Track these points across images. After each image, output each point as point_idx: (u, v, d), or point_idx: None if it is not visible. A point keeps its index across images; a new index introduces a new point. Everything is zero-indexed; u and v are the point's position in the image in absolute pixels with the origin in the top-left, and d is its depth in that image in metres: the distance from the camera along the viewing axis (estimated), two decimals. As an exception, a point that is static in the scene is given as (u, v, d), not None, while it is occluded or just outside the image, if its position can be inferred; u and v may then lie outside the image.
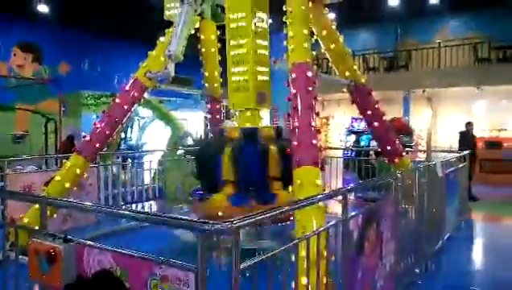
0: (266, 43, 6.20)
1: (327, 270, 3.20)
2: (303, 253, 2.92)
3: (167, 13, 6.87)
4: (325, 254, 3.20)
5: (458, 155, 7.92)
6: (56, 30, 16.53)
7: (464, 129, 11.31)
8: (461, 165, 7.63)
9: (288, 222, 5.09)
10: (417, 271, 5.13)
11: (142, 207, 9.11)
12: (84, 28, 16.85)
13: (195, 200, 6.16)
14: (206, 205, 5.66)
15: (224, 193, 5.63)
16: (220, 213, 5.21)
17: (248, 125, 6.06)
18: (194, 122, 20.76)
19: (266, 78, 6.18)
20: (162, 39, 6.60)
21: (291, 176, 5.06)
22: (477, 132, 14.76)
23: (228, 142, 5.82)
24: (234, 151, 5.58)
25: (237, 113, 6.27)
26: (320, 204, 3.82)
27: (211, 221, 2.11)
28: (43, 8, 15.68)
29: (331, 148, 15.77)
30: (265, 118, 18.42)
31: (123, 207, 8.21)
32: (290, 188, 5.14)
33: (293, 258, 2.79)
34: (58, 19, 16.16)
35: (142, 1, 14.26)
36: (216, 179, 5.72)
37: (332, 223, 3.18)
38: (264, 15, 6.17)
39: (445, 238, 6.45)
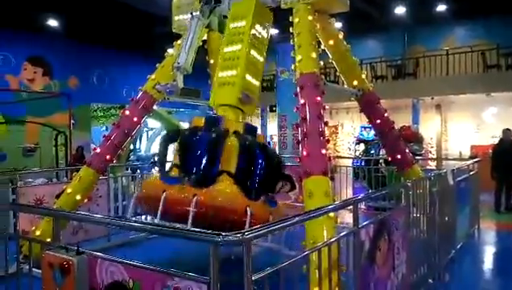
0: (261, 58, 5.87)
1: (339, 281, 3.18)
2: (314, 264, 2.90)
3: (175, 25, 6.94)
4: (337, 264, 3.17)
5: (470, 162, 7.85)
6: (66, 44, 16.78)
7: (502, 137, 10.47)
8: (472, 173, 7.56)
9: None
10: (430, 281, 5.06)
11: (152, 218, 9.11)
12: (93, 42, 17.08)
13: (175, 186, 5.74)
14: (142, 187, 5.67)
15: (227, 185, 4.90)
16: (149, 192, 4.99)
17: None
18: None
19: (255, 83, 5.70)
20: (170, 51, 6.67)
21: (250, 177, 4.88)
22: (487, 139, 14.67)
23: (187, 130, 5.42)
24: (183, 136, 5.13)
25: (217, 110, 5.57)
26: (331, 214, 3.80)
27: (222, 233, 2.11)
28: (52, 23, 15.95)
29: (340, 157, 15.73)
30: (273, 128, 18.36)
31: (133, 219, 8.24)
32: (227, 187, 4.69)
33: (304, 269, 2.77)
34: (67, 34, 16.42)
35: (149, 14, 14.45)
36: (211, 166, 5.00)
37: (343, 233, 3.16)
38: (264, 31, 5.99)
39: (458, 247, 6.37)
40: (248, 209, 4.36)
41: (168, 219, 4.60)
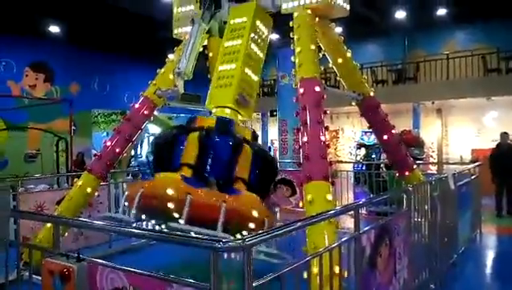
0: (261, 54, 5.79)
1: (340, 286, 3.17)
2: (315, 269, 2.89)
3: (175, 31, 6.95)
4: (338, 270, 3.16)
5: (471, 166, 7.84)
6: (67, 50, 16.84)
7: (500, 140, 10.46)
8: (473, 177, 7.54)
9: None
10: (432, 286, 5.04)
11: (153, 224, 9.09)
12: (94, 48, 17.14)
13: (133, 183, 5.52)
14: (151, 183, 4.83)
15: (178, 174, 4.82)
16: (170, 192, 4.44)
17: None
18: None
19: (253, 85, 5.58)
20: (171, 56, 6.68)
21: (258, 184, 4.87)
22: (488, 143, 14.64)
23: (196, 129, 5.16)
24: (202, 136, 4.96)
25: (213, 111, 5.45)
26: (332, 219, 3.79)
27: (223, 240, 2.11)
28: (54, 29, 16.01)
29: (341, 162, 15.73)
30: (274, 133, 18.36)
31: (134, 225, 8.22)
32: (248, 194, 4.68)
33: (305, 275, 2.76)
34: (69, 40, 16.48)
35: (150, 19, 14.51)
36: (173, 162, 4.96)
37: (344, 239, 3.15)
38: (265, 29, 5.94)
39: (459, 251, 6.35)
40: (266, 218, 4.39)
41: (192, 222, 4.32)
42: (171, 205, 4.41)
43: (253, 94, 5.61)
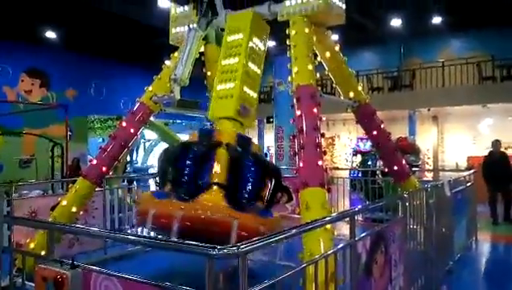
0: (258, 70, 5.86)
1: (336, 294, 3.15)
2: (311, 277, 2.88)
3: (172, 38, 6.97)
4: (334, 277, 3.15)
5: (466, 173, 7.86)
6: (63, 56, 16.83)
7: (492, 148, 10.46)
8: (469, 184, 7.56)
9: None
10: (427, 293, 5.03)
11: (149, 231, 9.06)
12: (91, 54, 17.15)
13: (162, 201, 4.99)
14: (195, 205, 4.66)
15: (217, 196, 4.75)
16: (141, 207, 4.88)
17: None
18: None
19: (252, 95, 5.66)
20: (167, 63, 6.69)
21: (241, 189, 4.78)
22: (483, 151, 14.71)
23: (210, 140, 5.13)
24: (175, 149, 5.14)
25: (215, 122, 5.57)
26: (328, 226, 3.79)
27: (218, 246, 2.10)
28: (50, 35, 16.01)
29: (337, 168, 15.75)
30: (270, 139, 18.38)
31: (129, 231, 8.18)
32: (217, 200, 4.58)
33: (301, 281, 2.75)
34: (65, 46, 16.48)
35: (147, 26, 14.54)
36: (198, 179, 4.91)
37: (340, 246, 3.15)
38: (261, 44, 5.98)
39: (455, 258, 6.35)
40: (234, 221, 4.21)
41: (158, 232, 4.68)
42: (215, 229, 4.31)
43: (254, 107, 5.65)
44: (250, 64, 5.69)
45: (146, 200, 4.96)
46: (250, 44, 5.70)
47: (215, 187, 4.65)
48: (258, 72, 5.86)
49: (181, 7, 6.84)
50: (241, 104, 5.35)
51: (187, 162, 4.87)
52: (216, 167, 4.78)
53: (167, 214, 4.43)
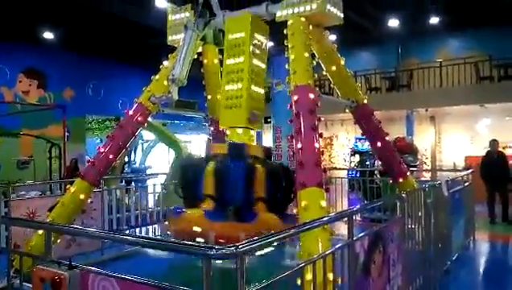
0: (263, 65, 6.02)
1: (334, 293, 3.16)
2: (309, 277, 2.88)
3: (170, 38, 6.96)
4: (331, 277, 3.16)
5: (464, 173, 7.88)
6: (61, 56, 16.79)
7: (489, 148, 10.53)
8: (467, 184, 7.58)
9: None
10: (425, 293, 5.04)
11: (147, 231, 9.07)
12: (89, 54, 17.12)
13: (170, 218, 5.88)
14: (181, 220, 5.22)
15: (201, 208, 5.26)
16: (195, 229, 4.89)
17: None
18: (197, 145, 20.87)
19: (260, 99, 5.88)
20: (165, 63, 6.68)
21: (277, 199, 5.17)
22: (481, 150, 14.73)
23: (212, 158, 5.51)
24: (217, 165, 5.26)
25: (227, 132, 5.88)
26: (326, 226, 3.79)
27: (215, 246, 2.10)
28: (48, 35, 15.97)
29: (335, 168, 15.75)
30: (268, 140, 18.42)
31: (127, 231, 8.18)
32: (269, 215, 5.02)
33: (299, 282, 2.76)
34: (63, 46, 16.45)
35: (145, 26, 14.52)
36: (198, 194, 5.36)
37: (337, 246, 3.15)
38: (263, 38, 6.10)
39: (453, 258, 6.36)
40: None
41: None
42: (200, 240, 4.68)
43: (262, 107, 5.93)
44: (255, 61, 5.81)
45: (200, 222, 5.02)
46: (253, 41, 5.78)
47: (260, 202, 5.13)
48: (263, 66, 6.01)
49: (177, 14, 6.82)
50: (251, 111, 5.58)
51: (233, 179, 5.18)
52: (258, 183, 5.17)
53: (231, 238, 4.30)
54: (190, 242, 2.36)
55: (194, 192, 5.43)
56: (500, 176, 9.84)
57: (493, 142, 10.39)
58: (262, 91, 5.92)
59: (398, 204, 4.36)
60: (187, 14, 6.43)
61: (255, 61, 5.80)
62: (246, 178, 5.14)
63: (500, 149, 10.76)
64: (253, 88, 5.70)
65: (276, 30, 6.09)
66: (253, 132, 5.80)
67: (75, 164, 13.40)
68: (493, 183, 9.86)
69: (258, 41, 5.93)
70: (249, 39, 5.74)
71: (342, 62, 6.39)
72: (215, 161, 5.32)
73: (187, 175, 5.59)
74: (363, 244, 3.30)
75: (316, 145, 4.74)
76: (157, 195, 9.76)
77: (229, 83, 5.74)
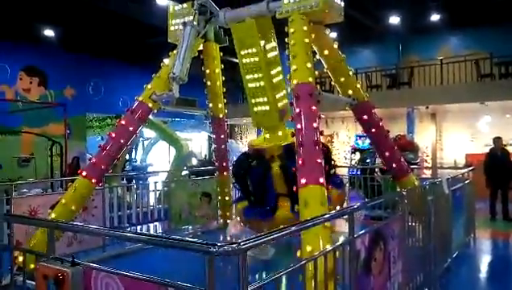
0: (279, 68, 6.51)
1: (335, 290, 3.17)
2: (310, 273, 2.90)
3: (170, 36, 6.96)
4: (333, 274, 3.17)
5: (465, 171, 7.88)
6: (62, 54, 16.78)
7: (493, 145, 10.50)
8: (467, 182, 7.58)
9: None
10: (426, 290, 5.06)
11: (148, 228, 9.09)
12: (89, 52, 17.11)
13: (253, 220, 6.21)
14: (275, 222, 5.63)
15: (286, 209, 5.86)
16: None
17: (279, 142, 6.31)
18: (198, 142, 20.88)
19: (284, 100, 6.53)
20: (166, 61, 6.68)
21: (292, 192, 5.30)
22: (482, 148, 14.73)
23: (264, 159, 6.21)
24: (285, 166, 5.81)
25: (261, 132, 6.84)
26: (327, 223, 3.80)
27: (217, 244, 2.11)
28: (49, 33, 15.97)
29: (336, 166, 15.73)
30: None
31: (128, 229, 8.20)
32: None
33: (300, 278, 2.77)
34: (63, 44, 16.44)
35: (146, 24, 14.51)
36: (269, 194, 6.03)
37: (338, 243, 3.16)
38: (273, 44, 6.45)
39: (454, 255, 6.37)
40: None
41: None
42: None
43: (285, 101, 6.53)
44: (272, 72, 6.40)
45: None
46: (264, 51, 6.23)
47: (281, 197, 5.84)
48: (279, 69, 6.54)
49: (179, 5, 6.84)
50: (279, 110, 6.31)
51: (252, 180, 6.19)
52: (277, 180, 5.90)
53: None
54: (192, 239, 2.37)
55: (263, 193, 6.06)
56: (503, 173, 9.84)
57: (497, 140, 10.37)
58: (283, 93, 6.55)
59: (398, 201, 4.37)
60: (191, 17, 6.44)
61: (272, 70, 6.40)
62: (260, 181, 6.03)
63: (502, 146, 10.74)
64: (276, 95, 6.41)
65: (277, 27, 6.11)
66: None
67: (77, 162, 13.42)
68: (497, 180, 9.85)
69: (269, 49, 6.39)
70: (261, 53, 6.16)
71: (343, 59, 6.40)
72: (282, 163, 5.96)
73: (253, 177, 6.22)
74: (364, 241, 3.31)
75: (317, 142, 4.75)
76: (158, 193, 9.78)
77: (254, 97, 6.38)
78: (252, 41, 6.05)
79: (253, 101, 6.38)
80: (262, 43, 6.16)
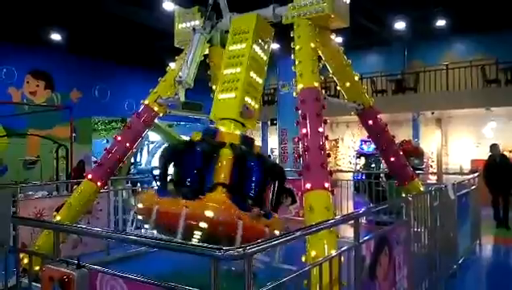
0: (264, 57, 5.92)
1: (340, 296, 3.16)
2: (315, 279, 2.89)
3: (177, 40, 6.99)
4: (338, 280, 3.16)
5: (470, 177, 7.85)
6: (68, 58, 16.92)
7: (491, 152, 10.40)
8: (473, 188, 7.55)
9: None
10: (431, 296, 5.03)
11: (152, 232, 9.08)
12: (95, 56, 17.23)
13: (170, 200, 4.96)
14: (200, 203, 4.63)
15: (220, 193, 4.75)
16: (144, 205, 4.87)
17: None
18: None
19: (258, 88, 5.72)
20: (172, 65, 6.71)
21: (241, 188, 4.73)
22: (487, 154, 14.66)
23: (212, 144, 5.05)
24: (177, 149, 5.13)
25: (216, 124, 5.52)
26: (332, 229, 3.79)
27: (223, 248, 2.11)
28: (55, 37, 16.09)
29: (341, 171, 15.72)
30: (274, 142, 18.36)
31: (133, 232, 8.20)
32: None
33: (305, 283, 2.76)
34: (70, 48, 16.56)
35: (151, 28, 14.59)
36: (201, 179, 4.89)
37: (344, 248, 3.15)
38: (267, 38, 6.04)
39: (459, 262, 6.33)
40: (239, 221, 4.22)
41: (161, 231, 4.71)
42: (148, 216, 4.61)
43: (258, 96, 5.72)
44: (257, 49, 5.74)
45: (149, 199, 4.94)
46: (252, 53, 5.67)
47: (219, 187, 4.63)
48: (265, 58, 5.90)
49: (185, 23, 6.86)
50: (244, 105, 5.34)
51: (191, 161, 4.83)
52: (221, 168, 4.77)
53: (171, 213, 4.43)
54: (197, 243, 2.38)
55: (166, 177, 5.07)
56: (503, 179, 9.79)
57: (494, 146, 10.37)
58: (260, 80, 5.73)
59: (404, 207, 4.35)
60: (198, 21, 6.42)
61: (257, 49, 5.73)
62: (200, 161, 4.85)
63: (503, 152, 10.70)
64: (252, 74, 5.56)
65: (283, 32, 6.10)
66: (244, 128, 5.39)
67: (82, 166, 13.47)
68: (497, 186, 9.81)
69: (263, 34, 5.92)
70: (253, 28, 5.71)
71: (348, 64, 6.40)
72: (234, 151, 4.91)
73: (162, 162, 5.16)
74: (369, 247, 3.30)
75: (322, 147, 4.74)
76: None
77: (227, 67, 5.62)
78: (246, 31, 5.78)
79: (224, 71, 5.62)
80: (255, 45, 5.80)
